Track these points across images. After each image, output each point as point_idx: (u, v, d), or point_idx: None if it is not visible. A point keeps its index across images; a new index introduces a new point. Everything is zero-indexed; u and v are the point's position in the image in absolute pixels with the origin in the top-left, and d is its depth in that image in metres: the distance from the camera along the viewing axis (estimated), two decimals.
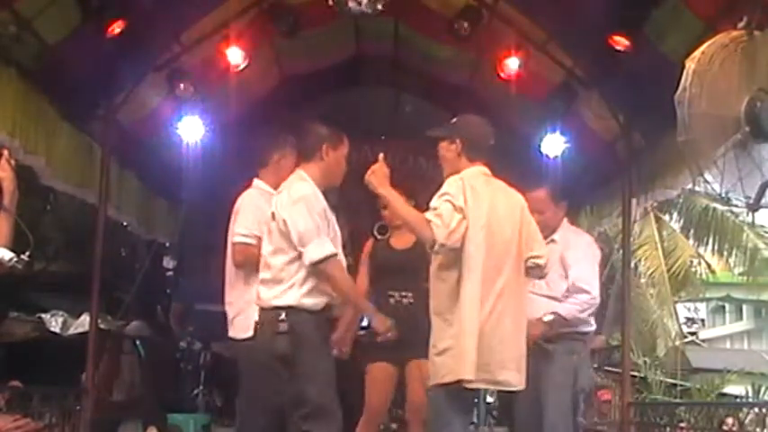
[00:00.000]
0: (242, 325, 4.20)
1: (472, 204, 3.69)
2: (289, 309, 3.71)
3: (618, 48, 5.48)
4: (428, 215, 3.60)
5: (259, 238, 4.15)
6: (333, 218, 3.94)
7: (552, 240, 4.51)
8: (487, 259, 3.65)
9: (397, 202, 3.79)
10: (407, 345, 4.47)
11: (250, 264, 4.16)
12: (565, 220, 4.77)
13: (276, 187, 4.19)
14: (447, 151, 3.94)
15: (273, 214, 3.83)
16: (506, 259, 3.73)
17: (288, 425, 3.78)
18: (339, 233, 3.98)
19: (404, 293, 4.77)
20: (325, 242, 3.73)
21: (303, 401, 3.68)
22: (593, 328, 4.67)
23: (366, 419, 4.84)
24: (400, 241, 4.92)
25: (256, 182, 4.50)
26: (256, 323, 3.89)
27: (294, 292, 3.73)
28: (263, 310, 3.83)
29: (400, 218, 3.94)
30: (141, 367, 7.12)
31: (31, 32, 4.98)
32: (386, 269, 4.92)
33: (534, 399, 4.31)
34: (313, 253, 3.70)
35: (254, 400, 4.17)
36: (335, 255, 3.76)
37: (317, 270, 3.71)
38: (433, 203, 3.66)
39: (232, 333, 4.35)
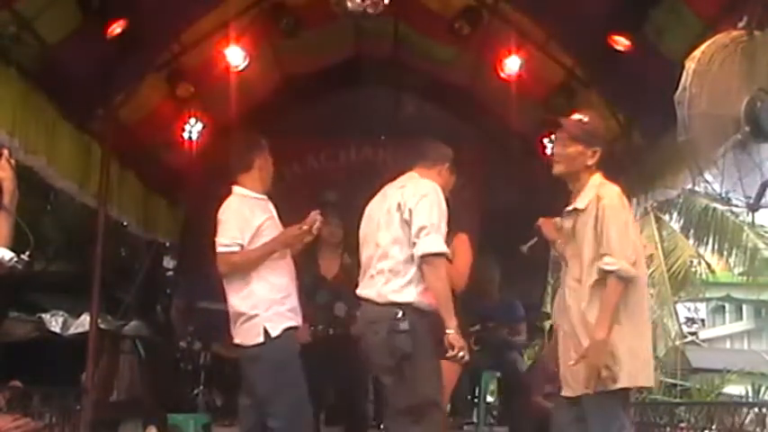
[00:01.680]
0: (252, 331, 4.19)
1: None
2: (407, 306, 3.72)
3: (618, 48, 5.49)
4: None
5: (242, 246, 4.23)
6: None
7: None
8: None
9: (606, 320, 3.55)
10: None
11: (235, 271, 4.24)
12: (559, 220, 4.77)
13: (260, 192, 4.34)
14: (580, 155, 3.78)
15: (399, 204, 3.84)
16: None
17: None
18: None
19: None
20: (440, 239, 3.75)
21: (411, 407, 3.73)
22: None
23: None
24: None
25: (237, 188, 4.50)
26: (368, 320, 3.87)
27: (413, 289, 3.76)
28: (376, 304, 3.82)
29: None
30: (141, 367, 7.12)
31: (31, 32, 4.99)
32: None
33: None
34: (426, 245, 3.71)
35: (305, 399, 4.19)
36: (447, 255, 3.78)
37: (425, 262, 3.72)
38: (614, 231, 3.55)
39: (242, 339, 4.30)
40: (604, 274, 3.53)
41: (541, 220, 4.11)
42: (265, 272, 4.25)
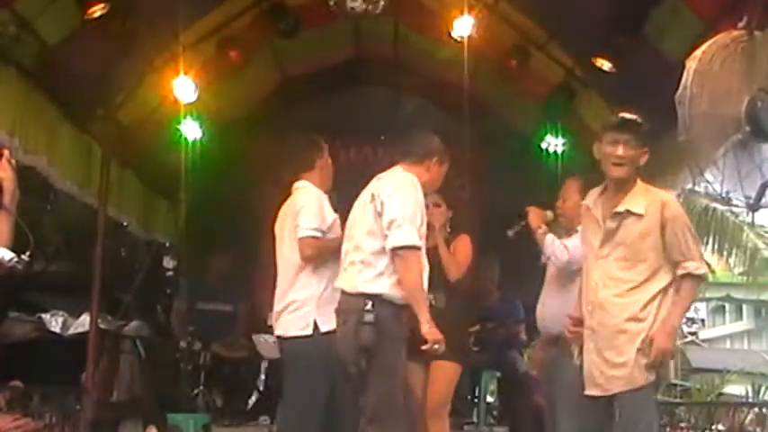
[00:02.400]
0: (300, 322, 4.20)
1: None
2: (376, 297, 3.72)
3: (618, 48, 5.49)
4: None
5: (324, 233, 4.27)
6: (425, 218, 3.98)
7: (575, 231, 4.51)
8: None
9: (681, 312, 3.73)
10: None
11: (318, 258, 4.25)
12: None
13: (323, 189, 4.38)
14: (642, 156, 3.74)
15: (373, 195, 3.86)
16: None
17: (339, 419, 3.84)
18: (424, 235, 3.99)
19: (428, 295, 4.77)
20: (413, 232, 3.74)
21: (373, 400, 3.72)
22: None
23: None
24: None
25: (306, 183, 4.53)
26: (337, 310, 3.88)
27: (385, 280, 3.75)
28: (347, 295, 3.83)
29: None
30: (141, 367, 7.11)
31: (31, 32, 4.98)
32: None
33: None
34: (396, 238, 3.71)
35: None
36: (419, 248, 3.76)
37: (396, 255, 3.72)
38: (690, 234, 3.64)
39: (284, 330, 4.30)
40: (684, 277, 3.60)
41: (530, 208, 4.15)
42: (323, 268, 4.27)
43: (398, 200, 3.79)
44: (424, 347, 3.76)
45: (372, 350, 3.67)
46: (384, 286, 3.75)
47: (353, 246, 3.88)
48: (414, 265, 3.75)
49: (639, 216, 3.66)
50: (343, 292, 3.89)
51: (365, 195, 3.96)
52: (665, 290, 3.64)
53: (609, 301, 3.68)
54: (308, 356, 4.19)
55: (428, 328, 3.72)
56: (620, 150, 3.69)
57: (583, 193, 4.63)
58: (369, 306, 3.69)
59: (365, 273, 3.79)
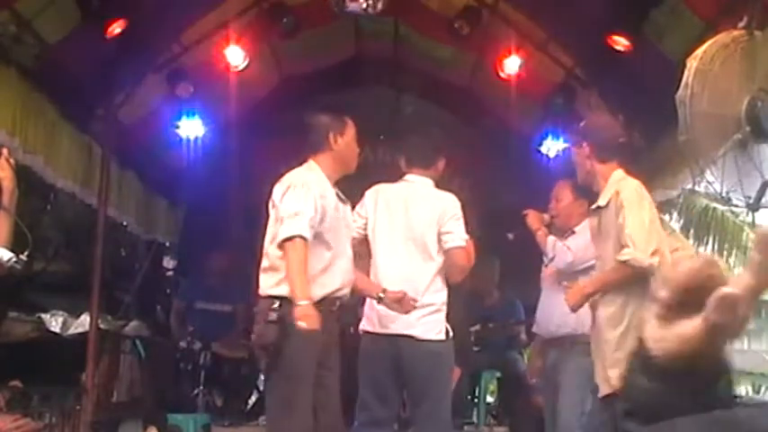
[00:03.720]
0: (436, 327, 4.19)
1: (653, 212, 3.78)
2: (283, 299, 3.67)
3: (618, 48, 5.48)
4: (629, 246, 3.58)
5: None
6: (341, 207, 3.93)
7: (572, 232, 4.54)
8: None
9: (600, 284, 3.77)
10: None
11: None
12: (588, 219, 4.81)
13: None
14: (578, 156, 3.94)
15: (272, 201, 3.83)
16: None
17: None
18: (349, 224, 3.99)
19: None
20: (298, 222, 3.65)
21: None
22: None
23: None
24: None
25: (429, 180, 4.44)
26: (255, 311, 3.87)
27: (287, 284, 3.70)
28: (260, 298, 3.81)
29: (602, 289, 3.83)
30: (141, 367, 7.10)
31: (31, 32, 4.98)
32: None
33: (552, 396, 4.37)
34: (282, 231, 3.65)
35: None
36: (302, 237, 3.63)
37: (282, 249, 3.66)
38: (630, 220, 3.61)
39: (421, 332, 4.22)
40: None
41: (528, 211, 4.17)
42: None
43: (286, 199, 3.75)
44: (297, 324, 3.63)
45: (275, 347, 3.65)
46: (287, 289, 3.70)
47: (264, 251, 3.87)
48: (291, 253, 3.64)
49: (604, 209, 3.77)
50: (258, 296, 3.87)
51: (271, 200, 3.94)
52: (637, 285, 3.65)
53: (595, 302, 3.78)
54: (443, 359, 4.23)
55: (300, 308, 3.56)
56: (575, 158, 3.96)
57: (575, 192, 4.66)
58: (276, 305, 3.67)
59: (272, 277, 3.77)
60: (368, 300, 4.23)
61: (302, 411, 3.69)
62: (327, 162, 3.95)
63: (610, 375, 3.54)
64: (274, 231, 3.77)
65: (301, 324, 3.52)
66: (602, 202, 3.79)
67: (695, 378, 0.85)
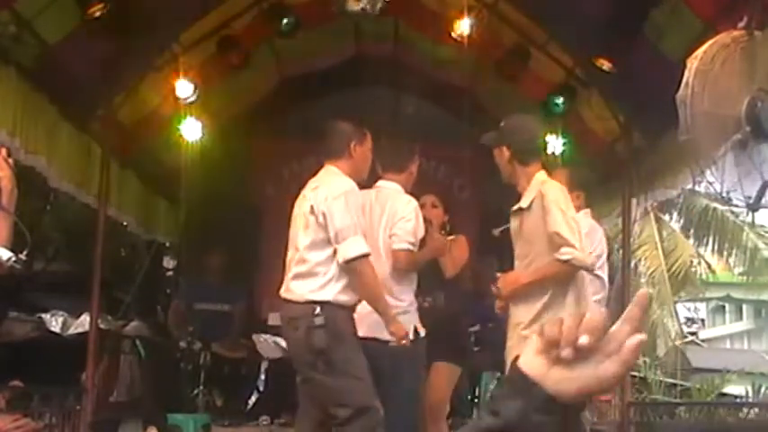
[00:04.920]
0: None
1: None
2: (324, 304, 3.73)
3: (617, 48, 5.48)
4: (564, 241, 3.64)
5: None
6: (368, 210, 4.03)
7: None
8: None
9: (535, 278, 3.81)
10: (430, 347, 4.51)
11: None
12: (583, 211, 4.81)
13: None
14: (499, 157, 3.98)
15: (312, 208, 3.84)
16: None
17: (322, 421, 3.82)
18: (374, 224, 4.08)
19: (426, 297, 4.77)
20: (360, 240, 3.76)
21: (344, 401, 3.73)
22: None
23: None
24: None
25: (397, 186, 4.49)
26: (290, 318, 3.89)
27: (331, 288, 3.76)
28: (296, 304, 3.84)
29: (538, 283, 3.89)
30: (141, 367, 7.11)
31: (31, 32, 4.98)
32: None
33: None
34: (347, 251, 3.72)
35: None
36: (368, 254, 3.78)
37: (349, 268, 3.73)
38: (560, 221, 3.66)
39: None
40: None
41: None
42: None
43: (340, 210, 3.78)
44: (392, 343, 3.83)
45: (326, 352, 3.70)
46: (330, 293, 3.78)
47: (298, 258, 3.89)
48: (368, 274, 3.80)
49: (528, 210, 3.81)
50: (290, 301, 3.90)
51: (304, 206, 3.94)
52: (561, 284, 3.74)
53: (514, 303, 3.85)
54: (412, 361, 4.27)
55: (392, 327, 3.82)
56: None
57: (569, 185, 4.66)
58: (317, 310, 3.72)
59: (311, 282, 3.81)
60: None
61: (357, 412, 3.77)
62: (345, 169, 4.00)
63: None
64: (314, 238, 3.80)
65: (403, 342, 3.83)
66: (523, 204, 3.84)
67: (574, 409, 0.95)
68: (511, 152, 3.90)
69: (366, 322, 4.05)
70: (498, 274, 4.08)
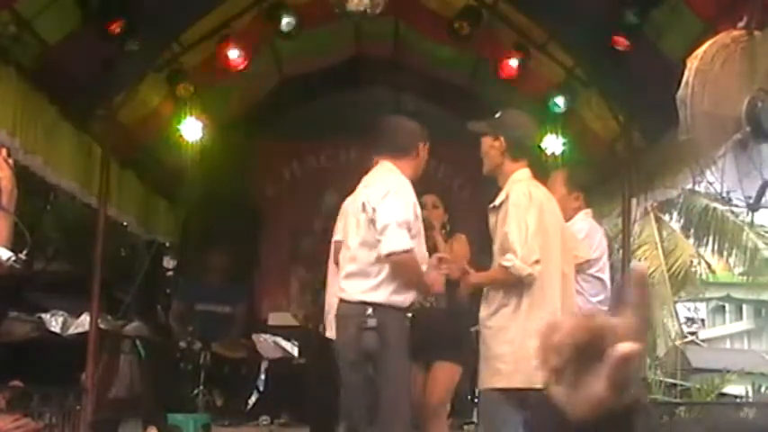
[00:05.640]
0: None
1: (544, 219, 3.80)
2: (377, 306, 3.71)
3: (618, 48, 5.48)
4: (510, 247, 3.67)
5: None
6: (419, 213, 3.97)
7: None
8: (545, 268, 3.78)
9: (483, 279, 3.87)
10: (431, 347, 4.53)
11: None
12: (584, 212, 4.81)
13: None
14: (490, 148, 3.92)
15: (364, 205, 3.81)
16: (558, 264, 3.86)
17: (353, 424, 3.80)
18: (422, 230, 4.01)
19: (427, 297, 4.77)
20: (404, 235, 3.70)
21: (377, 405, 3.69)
22: None
23: None
24: None
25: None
26: (340, 317, 3.87)
27: (384, 289, 3.74)
28: (347, 303, 3.82)
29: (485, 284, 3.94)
30: (141, 367, 7.11)
31: (31, 32, 4.98)
32: None
33: None
34: (389, 245, 3.68)
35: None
36: (411, 250, 3.72)
37: (390, 261, 3.70)
38: (512, 225, 3.68)
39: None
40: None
41: None
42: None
43: (389, 205, 3.75)
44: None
45: (376, 355, 3.67)
46: (383, 295, 3.75)
47: (350, 257, 3.86)
48: (411, 267, 3.75)
49: (499, 208, 3.85)
50: (343, 300, 3.87)
51: (356, 203, 3.92)
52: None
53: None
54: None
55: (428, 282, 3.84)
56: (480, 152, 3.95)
57: (568, 185, 4.66)
58: (369, 312, 3.69)
59: (363, 283, 3.78)
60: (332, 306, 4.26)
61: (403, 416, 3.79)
62: (407, 168, 3.96)
63: (500, 368, 3.71)
64: (366, 236, 3.78)
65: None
66: (497, 201, 3.88)
67: (618, 420, 0.83)
68: (504, 145, 3.87)
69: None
70: (465, 267, 4.07)
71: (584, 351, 0.80)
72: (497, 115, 4.05)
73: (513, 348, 3.64)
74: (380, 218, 3.72)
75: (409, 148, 4.00)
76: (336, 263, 4.25)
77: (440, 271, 3.97)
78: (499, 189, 3.95)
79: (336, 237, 4.35)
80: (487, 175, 4.01)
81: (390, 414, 3.70)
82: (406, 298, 3.81)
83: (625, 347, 0.78)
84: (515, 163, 3.90)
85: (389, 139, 4.05)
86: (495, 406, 3.80)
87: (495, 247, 3.87)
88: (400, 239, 3.68)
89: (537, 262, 3.66)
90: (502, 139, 3.90)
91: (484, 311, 3.86)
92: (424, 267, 3.92)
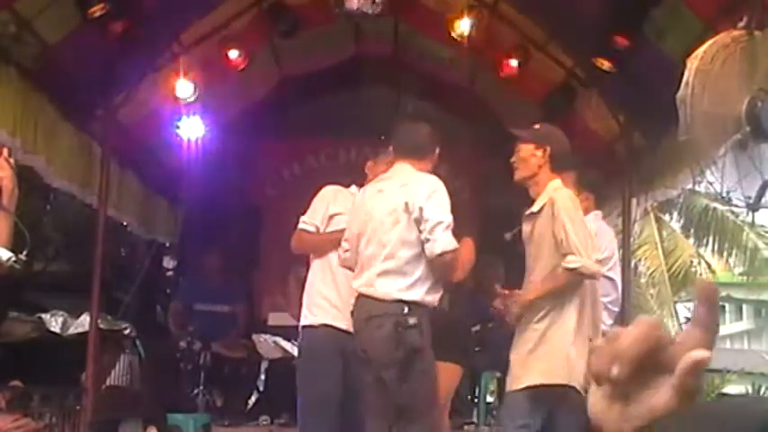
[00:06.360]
0: None
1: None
2: (413, 304, 3.75)
3: (618, 48, 5.48)
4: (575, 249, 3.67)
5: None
6: None
7: None
8: None
9: (541, 293, 3.82)
10: (434, 346, 4.53)
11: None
12: (593, 213, 4.82)
13: None
14: (531, 156, 3.92)
15: (407, 204, 3.83)
16: None
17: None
18: None
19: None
20: (451, 236, 3.79)
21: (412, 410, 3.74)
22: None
23: None
24: None
25: None
26: (372, 316, 3.86)
27: (419, 288, 3.79)
28: (380, 301, 3.83)
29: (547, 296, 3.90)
30: (141, 367, 7.11)
31: (31, 32, 4.98)
32: None
33: None
34: (442, 244, 3.74)
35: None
36: (457, 249, 3.84)
37: (440, 260, 3.76)
38: (568, 228, 3.69)
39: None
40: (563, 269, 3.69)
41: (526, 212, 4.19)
42: None
43: (438, 204, 3.82)
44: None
45: (419, 352, 3.73)
46: (419, 293, 3.79)
47: (386, 254, 3.86)
48: (454, 267, 3.91)
49: (537, 215, 3.83)
50: (371, 297, 3.87)
51: (394, 202, 3.90)
52: None
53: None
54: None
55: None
56: (513, 158, 3.96)
57: (577, 187, 4.66)
58: (407, 310, 3.73)
59: (400, 281, 3.81)
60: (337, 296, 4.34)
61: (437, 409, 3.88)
62: (423, 170, 4.03)
63: (536, 367, 3.71)
64: (405, 236, 3.82)
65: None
66: (535, 208, 3.86)
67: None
68: (549, 156, 3.88)
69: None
70: (504, 291, 4.07)
71: (646, 362, 0.75)
72: (536, 126, 4.10)
73: (568, 348, 3.67)
74: (430, 217, 3.77)
75: (430, 151, 4.09)
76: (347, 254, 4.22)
77: (498, 309, 4.01)
78: (511, 195, 3.99)
79: (347, 231, 4.26)
80: (518, 182, 4.00)
81: (424, 411, 3.77)
82: (435, 297, 3.88)
83: (698, 354, 0.73)
84: (551, 174, 3.90)
85: (412, 141, 4.13)
86: (531, 404, 3.79)
87: (534, 252, 3.86)
88: (451, 239, 3.77)
89: (598, 261, 3.76)
90: (547, 149, 3.89)
91: (530, 314, 3.81)
92: None
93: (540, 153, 3.89)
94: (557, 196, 3.79)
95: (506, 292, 4.06)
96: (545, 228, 3.78)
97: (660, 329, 0.77)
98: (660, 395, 0.74)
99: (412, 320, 3.71)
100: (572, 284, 3.73)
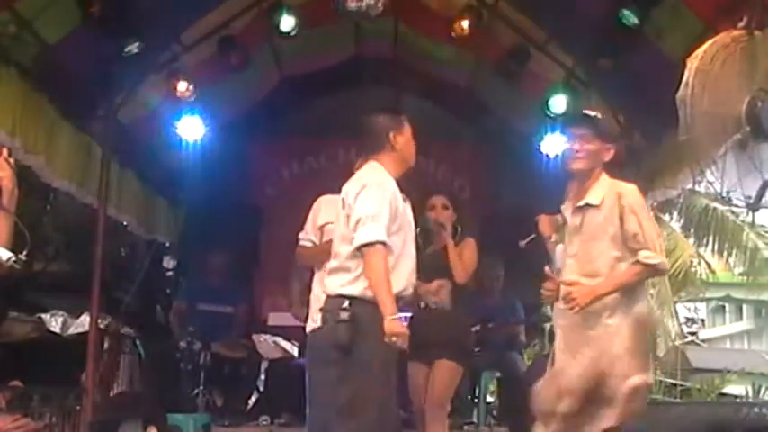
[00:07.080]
0: None
1: None
2: (353, 299, 3.68)
3: (618, 47, 5.49)
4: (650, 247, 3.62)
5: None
6: (406, 207, 3.92)
7: None
8: None
9: (614, 287, 3.71)
10: (435, 345, 4.54)
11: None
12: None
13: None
14: (603, 150, 3.81)
15: (343, 201, 3.82)
16: None
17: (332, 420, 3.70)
18: (412, 224, 3.97)
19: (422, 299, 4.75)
20: (378, 228, 3.66)
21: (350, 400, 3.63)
22: None
23: None
24: None
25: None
26: (322, 311, 3.85)
27: (361, 283, 3.70)
28: (328, 298, 3.81)
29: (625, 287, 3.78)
30: (141, 367, 7.11)
31: (31, 32, 4.99)
32: None
33: None
34: (361, 236, 3.66)
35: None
36: (383, 242, 3.65)
37: (362, 253, 3.66)
38: (645, 224, 3.65)
39: None
40: (635, 263, 3.61)
41: (540, 216, 4.13)
42: None
43: (363, 199, 3.73)
44: (386, 340, 3.62)
45: (348, 347, 3.64)
46: (359, 288, 3.71)
47: (333, 253, 3.87)
48: (374, 261, 3.65)
49: (597, 207, 3.71)
50: (327, 295, 3.87)
51: (339, 201, 3.93)
52: None
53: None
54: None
55: (388, 322, 3.58)
56: (576, 145, 3.78)
57: None
58: (345, 305, 3.67)
59: (342, 277, 3.77)
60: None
61: (380, 412, 3.66)
62: (389, 162, 3.93)
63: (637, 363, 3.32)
64: (344, 232, 3.78)
65: (394, 340, 3.57)
66: (593, 201, 3.73)
67: None
68: (613, 155, 3.80)
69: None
70: (568, 280, 3.84)
71: (590, 395, 0.75)
72: (600, 117, 3.98)
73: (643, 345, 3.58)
74: (355, 212, 3.72)
75: (380, 141, 3.96)
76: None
77: (549, 292, 3.89)
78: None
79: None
80: (573, 170, 3.84)
81: (358, 410, 3.62)
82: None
83: (634, 381, 0.73)
84: (615, 173, 3.85)
85: (363, 137, 4.08)
86: None
87: (587, 245, 3.74)
88: (369, 233, 3.65)
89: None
90: (613, 147, 3.82)
91: (596, 307, 3.66)
92: (411, 266, 3.88)
93: (611, 150, 3.80)
94: (624, 191, 3.72)
95: (555, 277, 3.89)
96: (607, 221, 3.68)
97: (601, 364, 0.76)
98: (604, 423, 0.73)
99: (343, 315, 3.64)
100: (642, 280, 3.71)
